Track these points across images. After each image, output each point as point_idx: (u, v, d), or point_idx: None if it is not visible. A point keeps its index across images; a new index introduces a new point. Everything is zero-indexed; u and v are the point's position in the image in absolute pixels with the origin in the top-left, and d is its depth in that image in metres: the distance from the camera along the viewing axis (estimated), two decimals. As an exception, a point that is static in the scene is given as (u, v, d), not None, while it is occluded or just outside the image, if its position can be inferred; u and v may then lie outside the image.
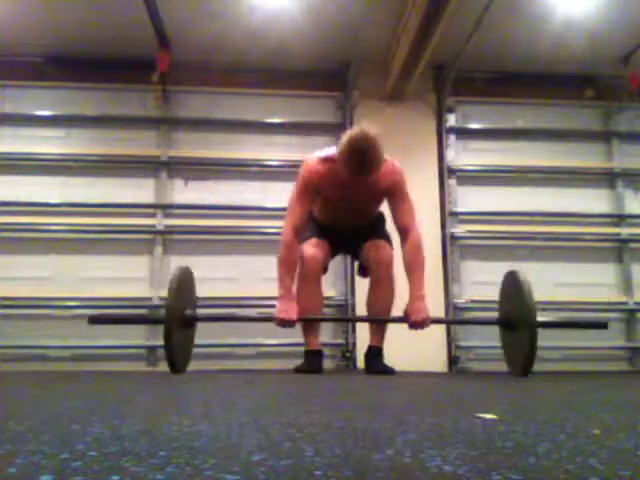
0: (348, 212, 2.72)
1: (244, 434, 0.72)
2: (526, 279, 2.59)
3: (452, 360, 4.34)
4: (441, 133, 4.71)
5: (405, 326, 2.61)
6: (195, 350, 4.26)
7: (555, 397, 1.71)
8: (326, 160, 2.60)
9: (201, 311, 4.36)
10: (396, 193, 2.63)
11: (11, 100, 4.58)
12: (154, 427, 0.78)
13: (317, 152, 2.70)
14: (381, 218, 2.92)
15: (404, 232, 2.64)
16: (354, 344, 4.28)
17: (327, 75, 4.76)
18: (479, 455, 0.60)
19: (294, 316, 2.55)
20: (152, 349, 4.30)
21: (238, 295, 4.34)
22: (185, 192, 4.57)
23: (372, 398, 1.50)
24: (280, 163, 4.58)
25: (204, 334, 4.25)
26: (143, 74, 4.33)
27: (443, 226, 4.54)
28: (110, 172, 4.53)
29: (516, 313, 2.62)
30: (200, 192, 4.55)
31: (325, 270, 2.88)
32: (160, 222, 4.47)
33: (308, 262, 2.67)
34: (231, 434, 0.72)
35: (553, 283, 4.54)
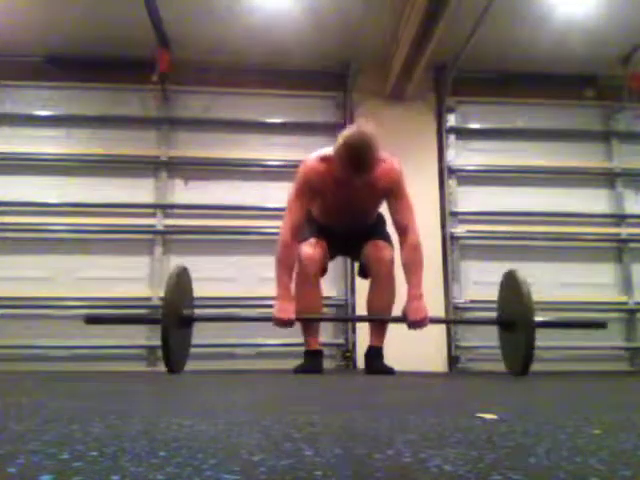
0: (347, 213, 2.70)
1: (244, 434, 0.72)
2: (525, 279, 2.59)
3: (452, 360, 4.34)
4: (441, 133, 4.71)
5: (405, 326, 2.61)
6: (195, 350, 4.26)
7: (555, 397, 1.71)
8: (324, 159, 2.59)
9: (200, 311, 4.39)
10: (395, 193, 2.62)
11: (11, 100, 4.58)
12: (154, 427, 0.78)
13: (316, 152, 2.69)
14: (381, 220, 2.91)
15: (403, 232, 2.63)
16: (354, 344, 4.28)
17: (327, 75, 4.76)
18: (479, 455, 0.60)
19: (292, 316, 2.54)
20: (152, 349, 4.30)
21: (238, 295, 4.35)
22: (185, 192, 4.57)
23: (372, 398, 1.50)
24: (280, 163, 4.58)
25: (204, 334, 4.26)
26: (143, 74, 4.33)
27: (443, 226, 4.54)
28: (110, 172, 4.53)
29: (514, 313, 2.62)
30: (200, 192, 4.55)
31: (324, 271, 2.86)
32: (160, 222, 4.47)
33: (306, 262, 2.66)
34: (231, 434, 0.72)
35: (553, 283, 4.54)
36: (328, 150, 2.63)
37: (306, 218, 2.70)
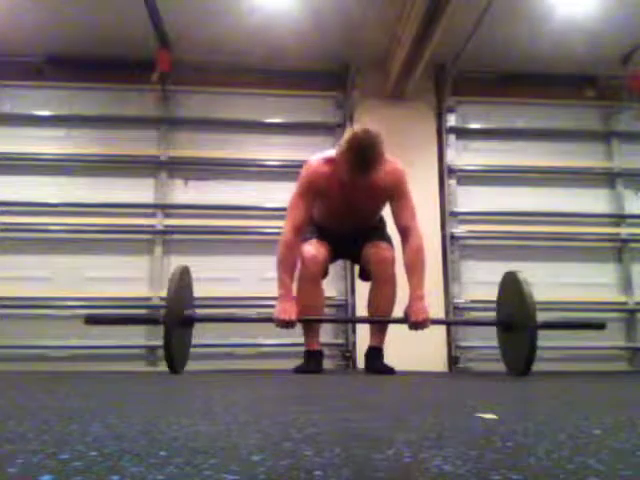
0: (350, 215, 2.70)
1: (244, 434, 0.72)
2: (526, 280, 2.58)
3: (452, 360, 4.34)
4: (441, 133, 4.71)
5: (405, 325, 2.61)
6: (195, 350, 4.27)
7: (555, 397, 1.71)
8: (328, 161, 2.60)
9: (200, 311, 4.39)
10: (398, 194, 2.63)
11: (11, 100, 4.58)
12: (154, 427, 0.78)
13: (320, 153, 2.70)
14: (381, 222, 2.91)
15: (405, 233, 2.63)
16: (354, 344, 4.28)
17: (327, 75, 4.75)
18: (479, 455, 0.60)
19: (293, 316, 2.53)
20: (152, 349, 4.30)
21: (238, 295, 4.35)
22: (185, 192, 4.57)
23: (372, 398, 1.50)
24: (280, 163, 4.58)
25: (205, 334, 4.26)
26: (143, 74, 4.33)
27: (443, 226, 4.54)
28: (110, 172, 4.53)
29: (515, 314, 2.62)
30: (200, 192, 4.55)
31: (325, 274, 2.86)
32: (160, 222, 4.47)
33: (308, 263, 2.66)
34: (231, 434, 0.72)
35: (553, 283, 4.54)
36: (332, 152, 2.63)
37: (308, 221, 2.69)
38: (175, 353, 2.44)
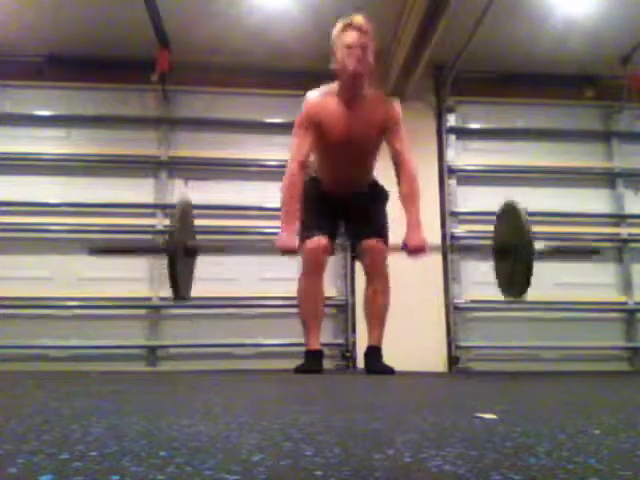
0: (348, 155, 2.74)
1: (244, 434, 0.72)
2: (522, 206, 2.60)
3: (452, 360, 4.34)
4: (441, 133, 4.71)
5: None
6: (195, 350, 4.30)
7: (555, 397, 1.71)
8: (326, 93, 2.76)
9: (199, 311, 4.39)
10: (393, 124, 2.74)
11: (11, 100, 4.58)
12: (154, 427, 0.78)
13: (317, 89, 2.85)
14: (382, 196, 2.93)
15: (400, 162, 2.73)
16: (354, 344, 4.28)
17: (327, 75, 4.74)
18: (479, 455, 0.60)
19: (295, 243, 2.61)
20: (152, 349, 4.30)
21: (238, 295, 4.35)
22: (185, 192, 4.57)
23: (372, 398, 1.50)
24: (280, 163, 4.54)
25: (204, 334, 4.27)
26: (143, 74, 4.33)
27: (443, 226, 4.54)
28: (110, 172, 4.53)
29: (512, 240, 2.63)
30: (200, 192, 4.55)
31: (332, 252, 2.89)
32: (160, 222, 4.47)
33: (311, 258, 2.69)
34: (231, 434, 0.72)
35: (553, 283, 4.54)
36: (328, 85, 2.80)
37: (307, 189, 2.73)
38: (179, 280, 2.48)
